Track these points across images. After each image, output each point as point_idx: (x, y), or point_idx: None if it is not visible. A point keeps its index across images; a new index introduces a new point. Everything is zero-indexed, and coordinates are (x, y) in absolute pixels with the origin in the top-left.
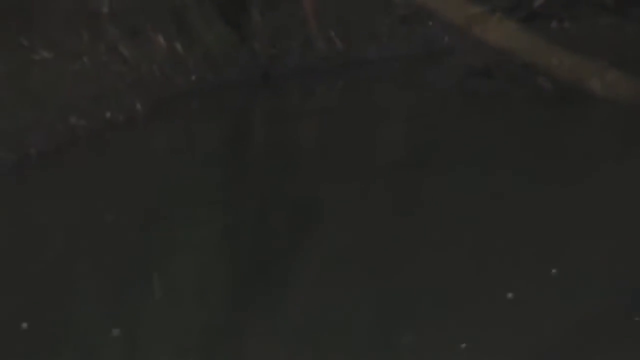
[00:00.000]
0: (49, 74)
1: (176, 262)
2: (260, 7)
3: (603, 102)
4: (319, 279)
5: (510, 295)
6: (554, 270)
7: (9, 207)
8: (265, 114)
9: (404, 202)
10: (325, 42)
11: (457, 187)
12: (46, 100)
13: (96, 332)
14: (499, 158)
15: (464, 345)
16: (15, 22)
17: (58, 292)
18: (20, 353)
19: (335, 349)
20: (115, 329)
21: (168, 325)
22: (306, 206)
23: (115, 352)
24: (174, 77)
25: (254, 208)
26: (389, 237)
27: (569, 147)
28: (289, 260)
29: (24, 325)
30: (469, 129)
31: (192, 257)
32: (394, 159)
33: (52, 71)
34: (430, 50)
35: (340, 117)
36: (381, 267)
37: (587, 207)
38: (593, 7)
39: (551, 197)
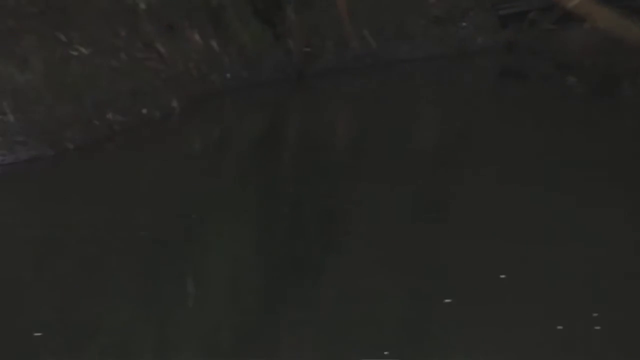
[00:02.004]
0: (86, 70)
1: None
2: (295, 5)
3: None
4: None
5: None
6: None
7: (46, 201)
8: (299, 111)
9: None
10: (358, 41)
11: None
12: (83, 96)
13: None
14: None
15: None
16: (53, 18)
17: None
18: None
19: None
20: None
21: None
22: (343, 199)
23: None
24: (209, 74)
25: (284, 208)
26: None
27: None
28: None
29: None
30: (499, 126)
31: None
32: (425, 159)
33: (89, 67)
34: (463, 50)
35: (373, 116)
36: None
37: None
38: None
39: None
